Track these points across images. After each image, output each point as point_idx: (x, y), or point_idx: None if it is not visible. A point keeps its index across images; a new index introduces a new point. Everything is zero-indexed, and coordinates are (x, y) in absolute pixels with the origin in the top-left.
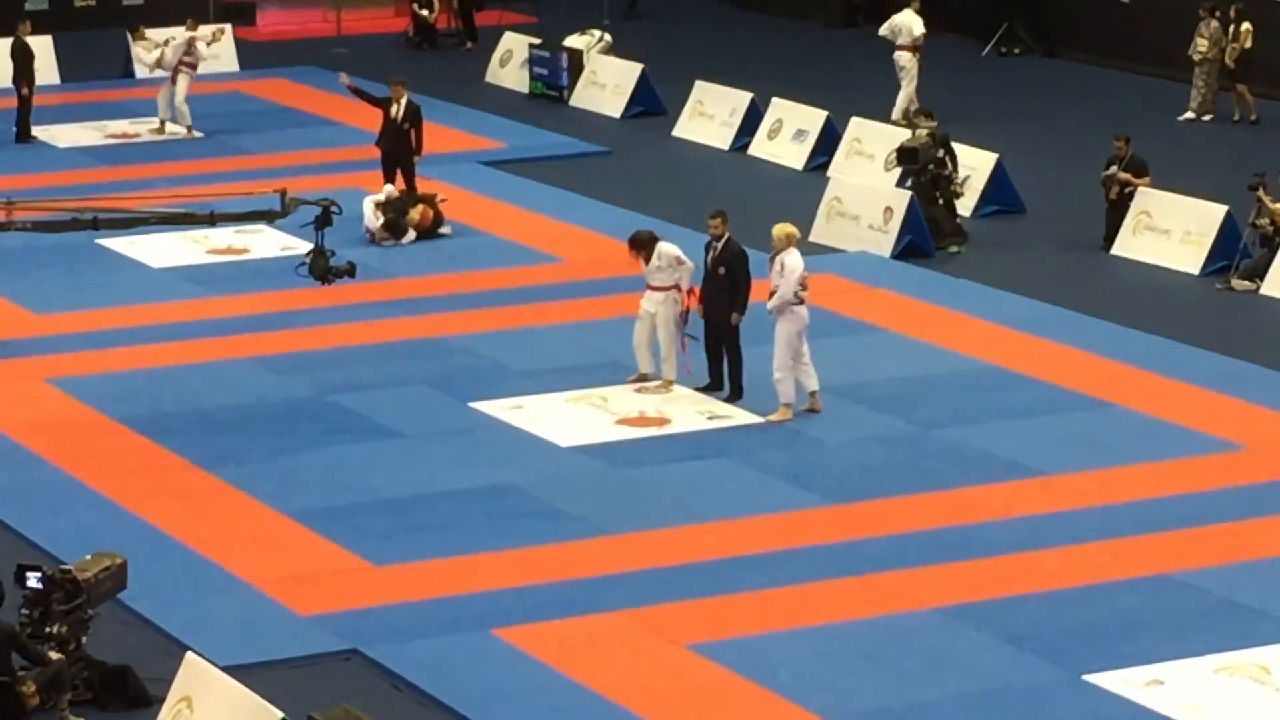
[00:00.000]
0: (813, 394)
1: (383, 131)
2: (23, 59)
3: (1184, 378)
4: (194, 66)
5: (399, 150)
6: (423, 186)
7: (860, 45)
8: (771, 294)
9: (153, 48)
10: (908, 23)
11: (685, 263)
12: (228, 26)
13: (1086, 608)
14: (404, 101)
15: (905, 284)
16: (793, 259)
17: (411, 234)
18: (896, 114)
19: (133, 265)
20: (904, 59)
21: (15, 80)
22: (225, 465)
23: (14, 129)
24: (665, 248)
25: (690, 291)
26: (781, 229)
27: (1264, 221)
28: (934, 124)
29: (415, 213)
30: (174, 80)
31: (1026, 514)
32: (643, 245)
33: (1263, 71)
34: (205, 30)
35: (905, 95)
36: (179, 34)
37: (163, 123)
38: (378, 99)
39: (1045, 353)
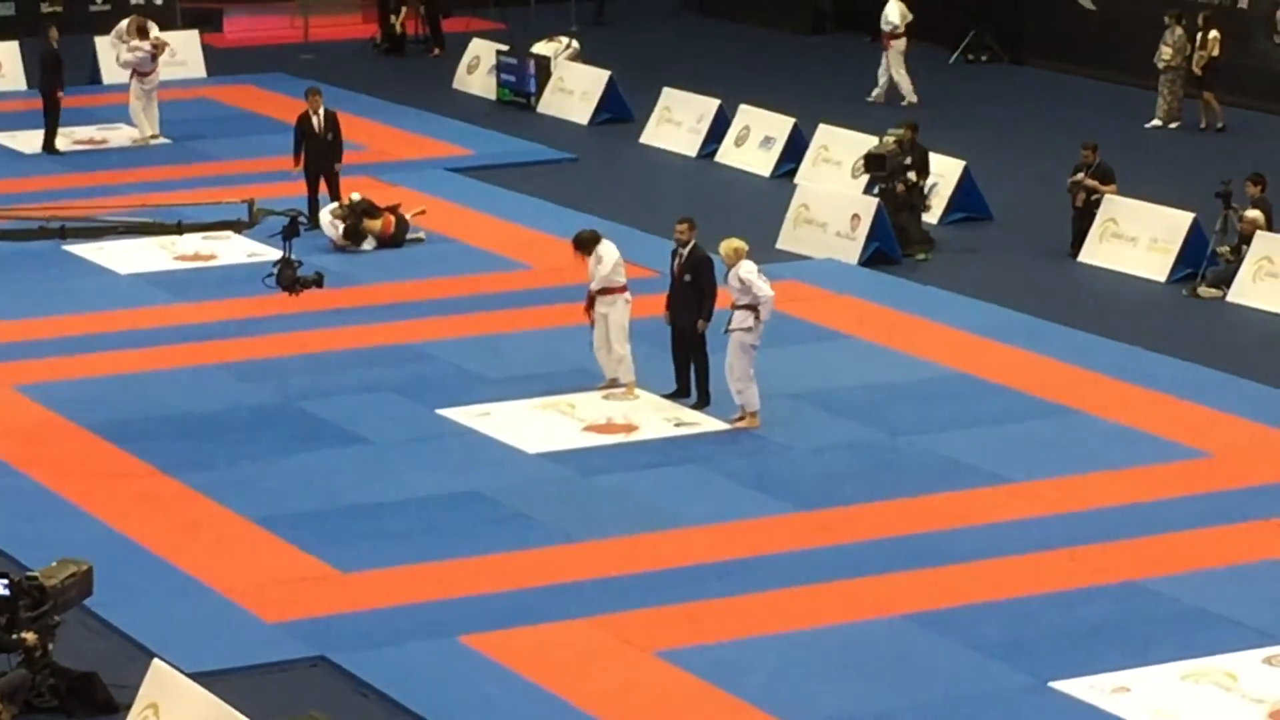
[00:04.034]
0: (753, 413)
1: (307, 145)
2: (54, 66)
3: (1151, 385)
4: (143, 75)
5: (324, 161)
6: (391, 194)
7: (827, 53)
8: (733, 306)
9: (130, 45)
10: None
11: (601, 263)
12: (195, 33)
13: (1053, 614)
14: (323, 112)
15: (872, 291)
16: (745, 269)
17: (372, 242)
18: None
19: (100, 271)
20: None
21: (45, 86)
22: (192, 471)
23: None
24: (602, 248)
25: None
26: (728, 245)
27: (1224, 250)
28: (906, 133)
29: (377, 222)
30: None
31: (993, 521)
32: (584, 245)
33: (1229, 78)
34: (141, 42)
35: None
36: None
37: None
38: (299, 131)
39: (1012, 360)
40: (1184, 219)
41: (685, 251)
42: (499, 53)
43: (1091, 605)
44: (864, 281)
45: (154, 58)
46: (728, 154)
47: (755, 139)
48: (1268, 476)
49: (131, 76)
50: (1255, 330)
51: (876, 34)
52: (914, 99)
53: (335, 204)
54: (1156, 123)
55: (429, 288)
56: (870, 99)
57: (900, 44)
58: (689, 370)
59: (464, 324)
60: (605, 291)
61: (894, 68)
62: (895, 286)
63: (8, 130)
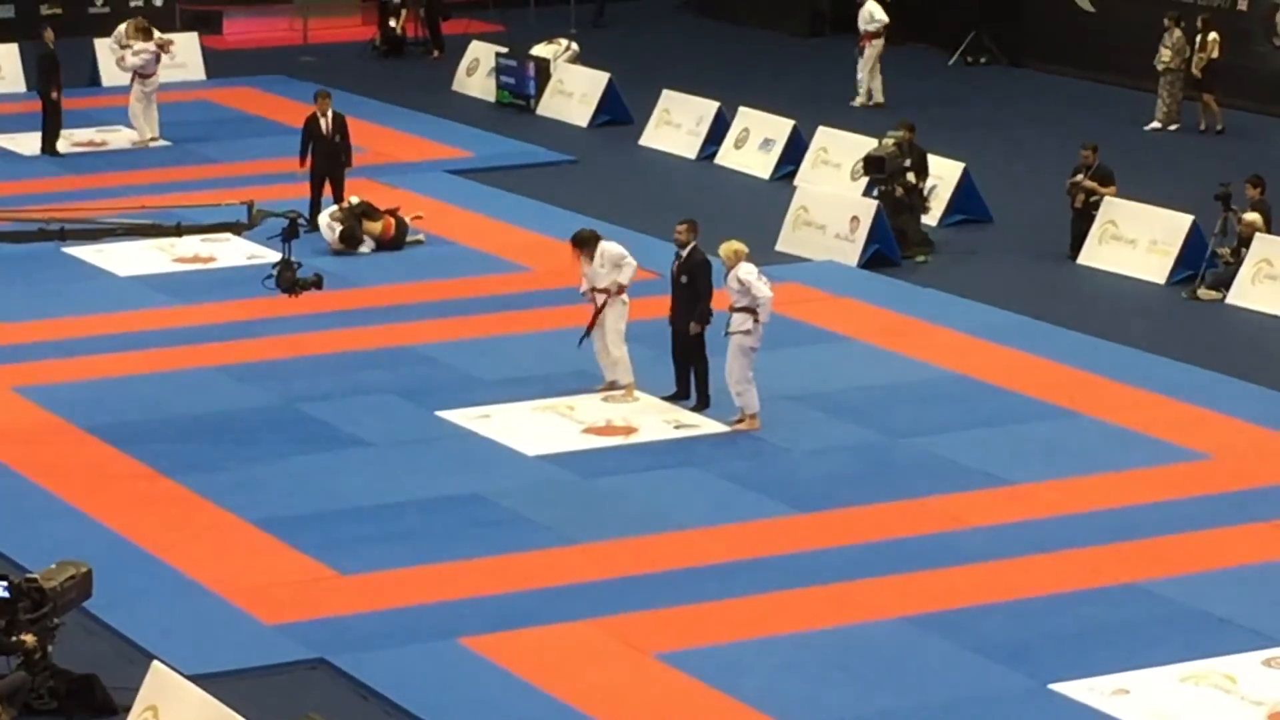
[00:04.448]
0: (752, 416)
1: (314, 147)
2: (49, 67)
3: (1150, 387)
4: (145, 77)
5: (331, 164)
6: (391, 196)
7: (827, 55)
8: (731, 309)
9: (126, 48)
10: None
11: (627, 259)
12: (194, 35)
13: (1053, 617)
14: (331, 114)
15: (872, 293)
16: (745, 271)
17: (370, 244)
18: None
19: (99, 273)
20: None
21: (43, 87)
22: (191, 474)
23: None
24: (607, 246)
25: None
26: (728, 247)
27: (1224, 251)
28: (905, 134)
29: (377, 225)
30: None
31: (993, 523)
32: (585, 243)
33: (1228, 80)
34: (146, 44)
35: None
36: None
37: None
38: (306, 133)
39: (1012, 362)
40: (1183, 221)
41: (683, 253)
42: (498, 55)
43: (1091, 607)
44: (863, 283)
45: (157, 58)
46: (727, 156)
47: (754, 141)
48: (1267, 478)
49: (133, 79)
50: (1254, 332)
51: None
52: (881, 99)
53: (335, 206)
54: (1156, 125)
55: (428, 290)
56: (868, 105)
57: (879, 44)
58: (689, 372)
59: (463, 326)
60: (605, 293)
61: (869, 68)
62: (894, 288)
63: (7, 132)
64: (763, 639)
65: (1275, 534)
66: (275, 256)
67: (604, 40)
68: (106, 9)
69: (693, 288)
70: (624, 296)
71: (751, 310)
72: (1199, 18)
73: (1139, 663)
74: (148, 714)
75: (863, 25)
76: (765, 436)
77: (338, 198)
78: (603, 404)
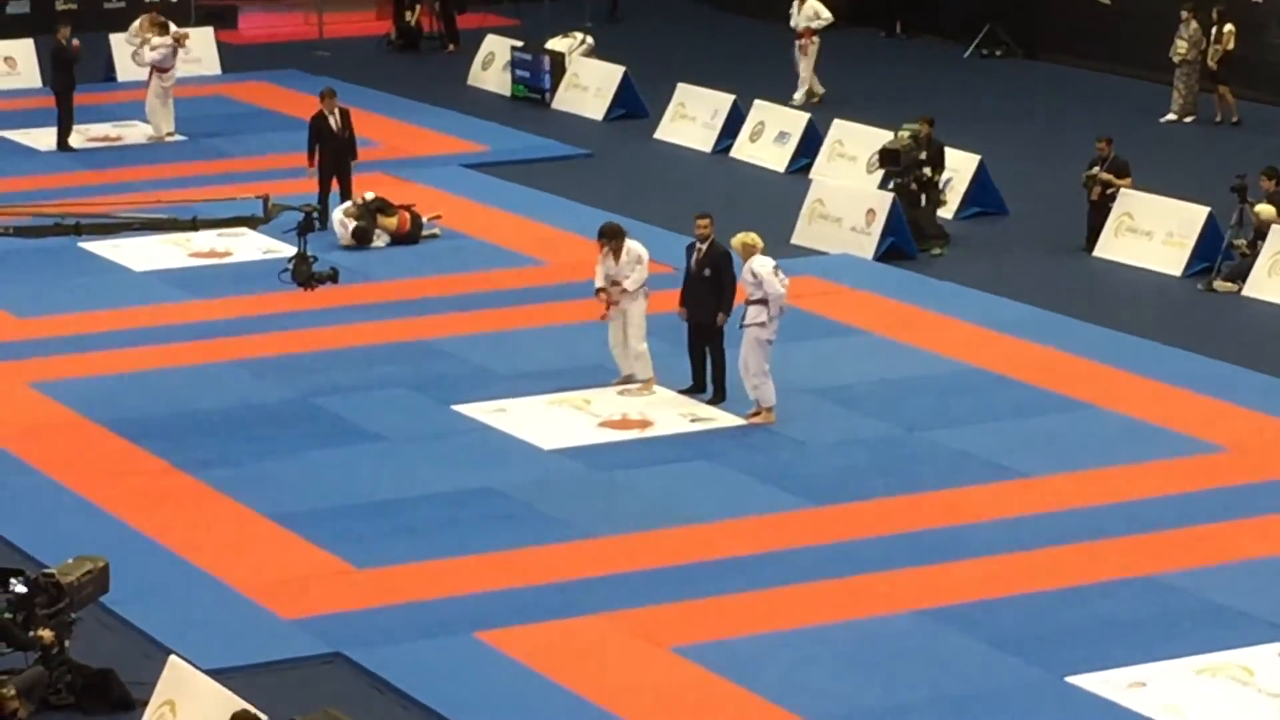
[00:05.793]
0: (769, 409)
1: (324, 145)
2: (62, 62)
3: (1166, 379)
4: (163, 72)
5: (339, 161)
6: (406, 190)
7: (842, 48)
8: (747, 302)
9: (144, 43)
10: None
11: (643, 264)
12: (209, 30)
13: (1068, 609)
14: (338, 111)
15: (887, 286)
16: (759, 264)
17: (385, 238)
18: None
19: (115, 268)
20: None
21: (55, 83)
22: (207, 468)
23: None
24: (632, 244)
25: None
26: (739, 239)
27: (1240, 243)
28: (921, 127)
29: (393, 219)
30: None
31: (1008, 516)
32: (614, 235)
33: (1244, 72)
34: (163, 39)
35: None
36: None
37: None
38: (313, 131)
39: (1027, 354)
40: (1199, 213)
41: (704, 246)
42: (513, 49)
43: (1107, 600)
44: (879, 276)
45: (174, 53)
46: (742, 149)
47: (770, 134)
48: None
49: (150, 74)
50: (1271, 324)
51: (890, 30)
52: (821, 91)
53: (349, 203)
54: (1171, 117)
55: (444, 284)
56: (810, 102)
57: (818, 40)
58: (705, 365)
59: (479, 320)
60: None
61: (808, 65)
62: (910, 281)
63: (23, 128)
64: (779, 632)
65: None
66: (291, 251)
67: (619, 34)
68: (122, 4)
69: (717, 280)
70: (645, 289)
71: (766, 303)
72: (1214, 9)
73: (1155, 655)
74: (165, 709)
75: (805, 22)
76: (781, 430)
77: (346, 194)
78: (619, 397)
